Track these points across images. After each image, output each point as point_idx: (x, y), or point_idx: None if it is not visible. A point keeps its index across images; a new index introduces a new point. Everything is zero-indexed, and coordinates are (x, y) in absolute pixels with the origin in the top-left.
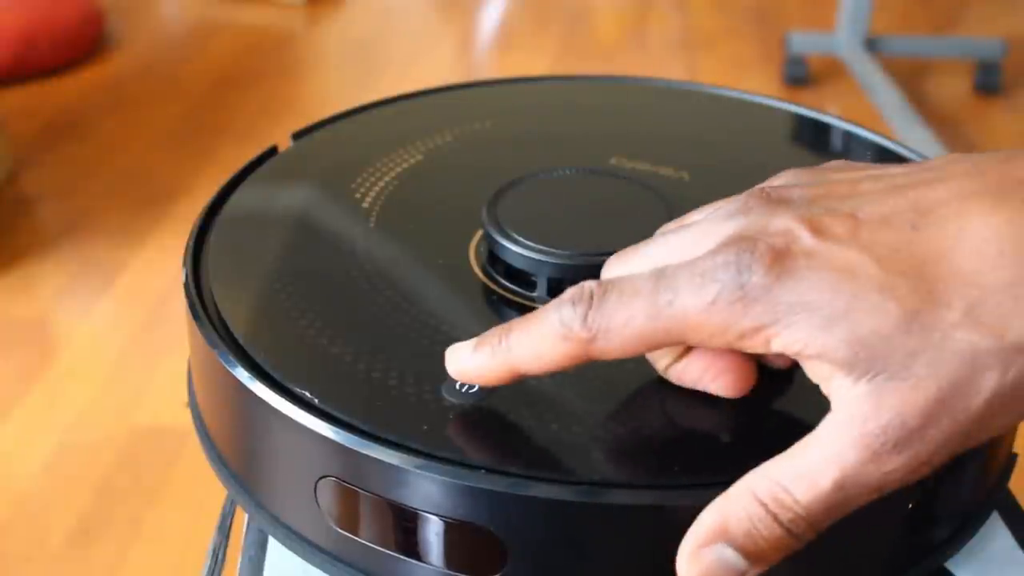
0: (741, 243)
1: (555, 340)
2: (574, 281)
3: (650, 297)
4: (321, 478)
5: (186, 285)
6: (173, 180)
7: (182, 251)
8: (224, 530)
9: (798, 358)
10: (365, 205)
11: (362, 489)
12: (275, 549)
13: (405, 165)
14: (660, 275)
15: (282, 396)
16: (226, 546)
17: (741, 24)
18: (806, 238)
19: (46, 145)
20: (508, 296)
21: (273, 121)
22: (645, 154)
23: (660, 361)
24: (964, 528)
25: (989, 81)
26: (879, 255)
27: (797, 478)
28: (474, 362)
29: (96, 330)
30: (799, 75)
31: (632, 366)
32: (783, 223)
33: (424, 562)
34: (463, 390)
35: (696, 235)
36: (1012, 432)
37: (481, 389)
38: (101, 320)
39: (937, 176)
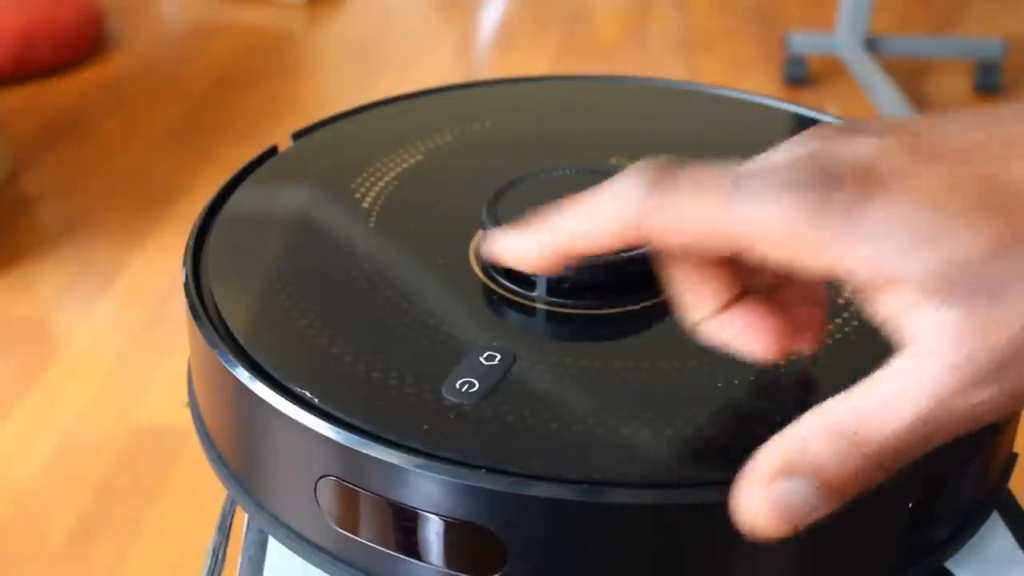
0: (828, 156)
1: (616, 206)
2: (574, 281)
3: (722, 195)
4: (321, 478)
5: (186, 285)
6: (173, 180)
7: (182, 251)
8: (224, 530)
9: (868, 284)
10: (365, 205)
11: (362, 489)
12: (275, 549)
13: (405, 165)
14: (740, 172)
15: (282, 396)
16: (226, 546)
17: (741, 24)
18: (891, 160)
19: (46, 145)
20: (508, 296)
21: (273, 121)
22: (645, 154)
23: (697, 311)
24: (964, 528)
25: (989, 81)
26: (965, 182)
27: (876, 411)
28: (520, 243)
29: (96, 330)
30: (799, 75)
31: (632, 365)
32: (866, 145)
33: (424, 562)
34: (463, 390)
35: (768, 155)
36: (1012, 432)
37: (482, 385)
38: (101, 320)
39: (1014, 112)
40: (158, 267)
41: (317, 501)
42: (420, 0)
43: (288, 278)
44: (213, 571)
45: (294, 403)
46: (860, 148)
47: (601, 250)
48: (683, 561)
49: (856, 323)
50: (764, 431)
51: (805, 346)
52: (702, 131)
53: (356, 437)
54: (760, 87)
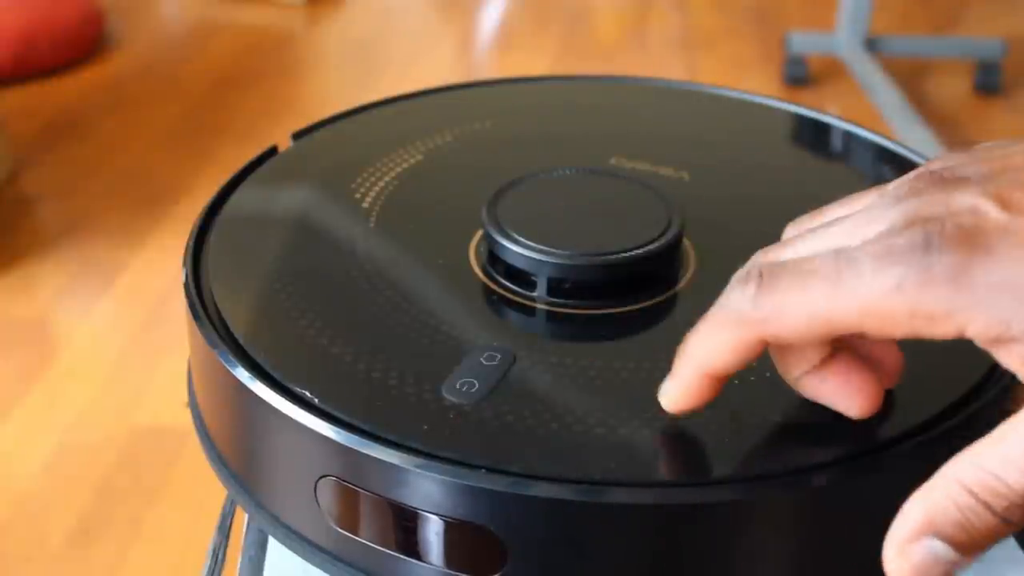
0: (927, 223)
1: (727, 327)
2: (574, 281)
3: (829, 278)
4: (321, 478)
5: (186, 285)
6: (173, 180)
7: (182, 251)
8: (224, 530)
9: (995, 342)
10: (365, 205)
11: (362, 489)
12: (275, 549)
13: (405, 165)
14: (839, 255)
15: (282, 396)
16: (226, 546)
17: (741, 24)
18: (996, 213)
19: (46, 145)
20: (508, 296)
21: (273, 121)
22: (645, 154)
23: (795, 369)
24: None
25: (989, 81)
26: None
27: (1008, 463)
28: (672, 386)
29: (96, 330)
30: (799, 75)
31: (632, 365)
32: (967, 200)
33: (424, 562)
34: (463, 389)
35: (861, 222)
36: None
37: (482, 385)
38: (101, 320)
39: None
40: (158, 267)
41: (317, 501)
42: (420, 0)
43: (288, 278)
44: (213, 571)
45: (294, 403)
46: (956, 204)
47: (739, 367)
48: (683, 561)
49: None
50: (764, 431)
51: (886, 384)
52: (702, 131)
53: (356, 437)
54: (760, 87)
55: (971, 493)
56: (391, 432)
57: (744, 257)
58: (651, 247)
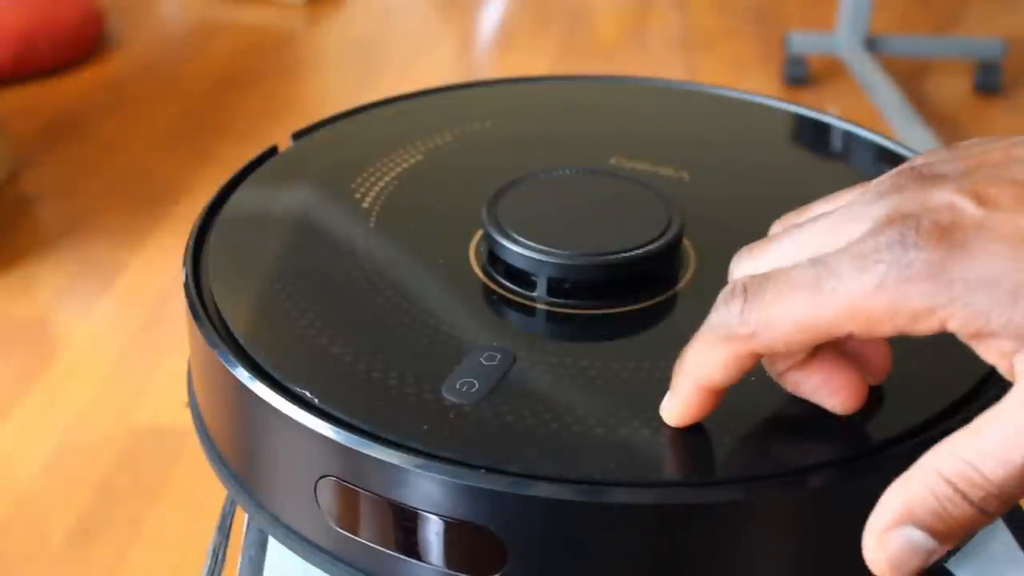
0: (904, 221)
1: (718, 344)
2: (574, 281)
3: (810, 285)
4: (321, 478)
5: (186, 285)
6: (173, 180)
7: (182, 251)
8: (224, 530)
9: (974, 337)
10: (365, 205)
11: (362, 489)
12: (275, 549)
13: (405, 165)
14: (817, 262)
15: (282, 396)
16: (226, 546)
17: (741, 24)
18: (972, 209)
19: (46, 145)
20: (508, 296)
21: (273, 121)
22: (645, 154)
23: (780, 364)
24: None
25: (989, 81)
26: None
27: (985, 454)
28: (672, 402)
29: (96, 330)
30: (799, 75)
31: (632, 365)
32: (944, 196)
33: (424, 562)
34: (463, 389)
35: (843, 220)
36: None
37: (482, 385)
38: (101, 320)
39: None
40: (158, 267)
41: (317, 501)
42: (420, 0)
43: (288, 278)
44: (213, 571)
45: (294, 403)
46: (933, 201)
47: (733, 381)
48: (683, 561)
49: None
50: (764, 431)
51: (871, 380)
52: (702, 131)
53: (356, 437)
54: (760, 87)
55: (949, 483)
56: (391, 432)
57: None
58: (651, 247)
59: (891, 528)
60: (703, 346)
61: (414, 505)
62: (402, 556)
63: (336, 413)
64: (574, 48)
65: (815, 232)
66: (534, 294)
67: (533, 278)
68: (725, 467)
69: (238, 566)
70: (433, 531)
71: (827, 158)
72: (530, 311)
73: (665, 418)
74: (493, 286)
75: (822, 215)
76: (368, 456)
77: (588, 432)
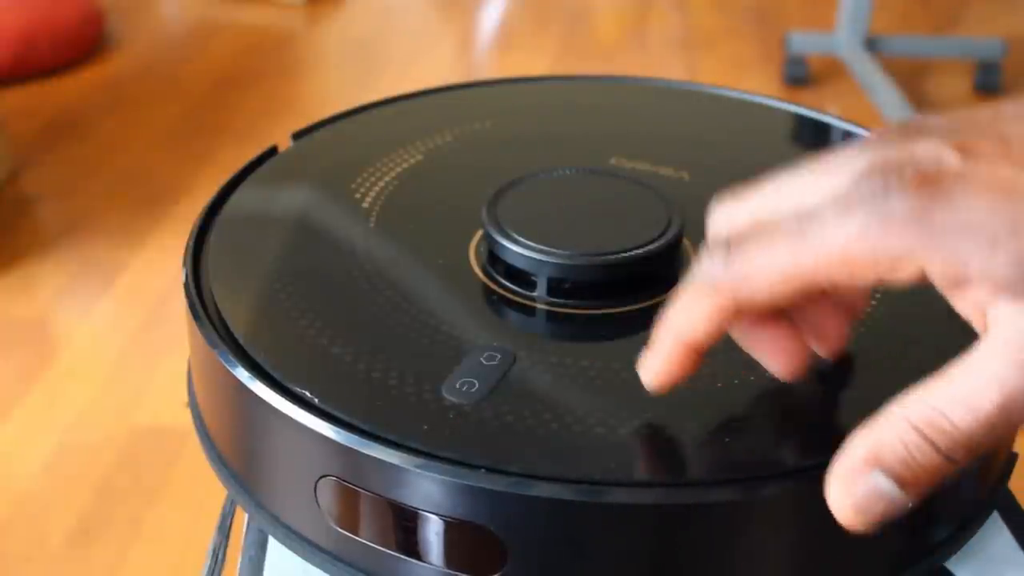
0: (887, 169)
1: (702, 296)
2: (574, 281)
3: (793, 234)
4: (321, 478)
5: (186, 285)
6: (173, 180)
7: (182, 251)
8: (224, 530)
9: (952, 286)
10: (365, 205)
11: (362, 489)
12: (275, 549)
13: (405, 165)
14: (799, 212)
15: (282, 396)
16: (226, 546)
17: (741, 24)
18: (956, 159)
19: (46, 145)
20: (508, 296)
21: (273, 121)
22: (645, 154)
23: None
24: (964, 528)
25: (989, 81)
26: (1019, 181)
27: (955, 402)
28: (652, 359)
29: (96, 330)
30: (799, 75)
31: (632, 365)
32: (928, 147)
33: (424, 561)
34: (463, 389)
35: (826, 171)
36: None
37: (482, 385)
38: (101, 320)
39: None
40: (158, 267)
41: (317, 501)
42: (420, 0)
43: (288, 278)
44: (213, 571)
45: (294, 403)
46: (918, 151)
47: (716, 337)
48: (683, 561)
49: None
50: (763, 431)
51: (823, 353)
52: (702, 131)
53: (356, 437)
54: (760, 87)
55: (917, 430)
56: (391, 432)
57: None
58: (651, 247)
59: (858, 472)
60: (687, 300)
61: (414, 505)
62: (402, 556)
63: (336, 413)
64: (574, 48)
65: (798, 182)
66: (534, 294)
67: (533, 278)
68: (725, 467)
69: (238, 566)
70: (433, 531)
71: None
72: (530, 311)
73: (644, 377)
74: (493, 286)
75: (805, 167)
76: (368, 456)
77: (588, 432)
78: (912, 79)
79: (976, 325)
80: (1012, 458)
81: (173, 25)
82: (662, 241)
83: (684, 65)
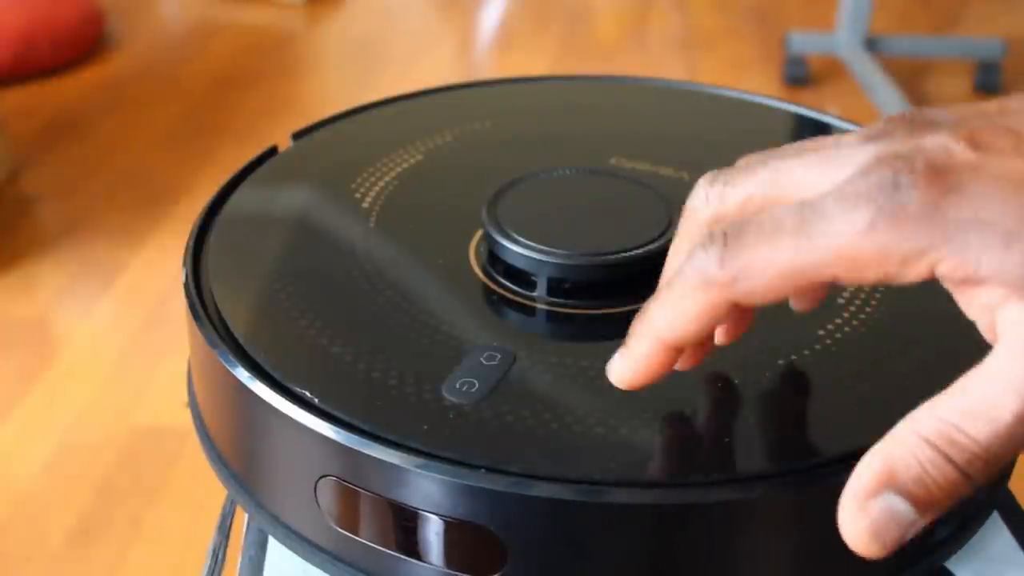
0: (894, 161)
1: (694, 292)
2: (574, 281)
3: (795, 228)
4: (321, 478)
5: (186, 285)
6: (173, 180)
7: (182, 251)
8: (224, 530)
9: (962, 284)
10: (365, 205)
11: (362, 489)
12: (275, 549)
13: (405, 165)
14: (803, 205)
15: (282, 396)
16: (226, 546)
17: (741, 24)
18: (967, 152)
19: (46, 145)
20: (508, 296)
21: (273, 121)
22: (645, 154)
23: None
24: (964, 528)
25: (989, 81)
26: None
27: (970, 414)
28: (626, 360)
29: (96, 330)
30: (799, 75)
31: None
32: (937, 139)
33: (424, 561)
34: (463, 389)
35: (827, 160)
36: None
37: (482, 385)
38: (101, 320)
39: None
40: (158, 267)
41: (317, 501)
42: (420, 0)
43: (288, 278)
44: (213, 571)
45: (294, 403)
46: (926, 144)
47: (702, 336)
48: (683, 561)
49: (854, 323)
50: (763, 431)
51: (722, 342)
52: (702, 131)
53: (356, 437)
54: (760, 87)
55: (931, 445)
56: (391, 432)
57: None
58: (651, 247)
59: (872, 494)
60: (674, 296)
61: (414, 505)
62: (402, 556)
63: (336, 413)
64: (574, 48)
65: (797, 165)
66: (534, 294)
67: (533, 278)
68: (725, 467)
69: (238, 566)
70: (433, 531)
71: None
72: (530, 311)
73: (613, 378)
74: (493, 286)
75: (805, 150)
76: (368, 456)
77: (588, 432)
78: (912, 79)
79: (984, 329)
80: (1012, 458)
81: (173, 25)
82: (662, 241)
83: (684, 65)
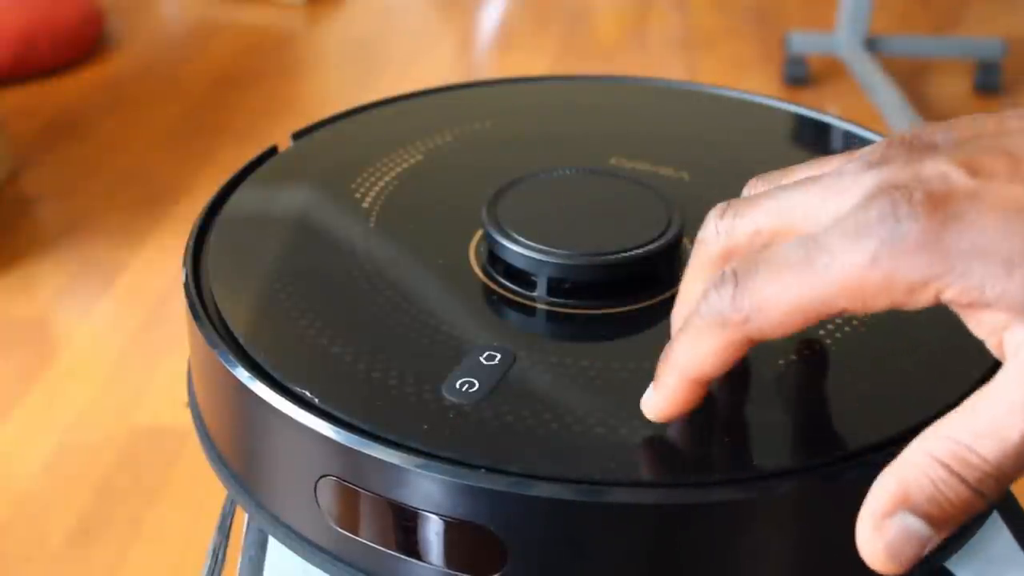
0: (895, 191)
1: (710, 332)
2: (574, 281)
3: (801, 264)
4: (321, 478)
5: (186, 285)
6: (173, 180)
7: (182, 251)
8: (224, 530)
9: (967, 309)
10: (365, 205)
11: (362, 488)
12: (275, 549)
13: (405, 165)
14: (807, 240)
15: (282, 396)
16: (226, 546)
17: (741, 24)
18: (965, 179)
19: (46, 145)
20: (508, 296)
21: (273, 121)
22: (645, 154)
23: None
24: (964, 528)
25: (989, 81)
26: None
27: (981, 434)
28: (657, 396)
29: (96, 330)
30: (799, 75)
31: (632, 365)
32: (936, 167)
33: (424, 561)
34: (463, 389)
35: (830, 189)
36: None
37: (482, 385)
38: (101, 320)
39: None
40: (158, 267)
41: (317, 501)
42: (420, 0)
43: (288, 278)
44: (213, 571)
45: (294, 403)
46: (925, 172)
47: (724, 370)
48: (683, 561)
49: (855, 323)
50: (763, 431)
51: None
52: (702, 131)
53: (356, 437)
54: (760, 87)
55: (944, 466)
56: (391, 432)
57: None
58: (651, 247)
59: (888, 514)
60: (693, 336)
61: (414, 505)
62: (402, 556)
63: (336, 413)
64: (574, 48)
65: (801, 196)
66: (534, 294)
67: (533, 278)
68: (725, 467)
69: (238, 566)
70: (433, 531)
71: None
72: (530, 311)
73: (647, 413)
74: (493, 286)
75: (809, 179)
76: (368, 456)
77: (588, 432)
78: (912, 79)
79: (992, 348)
80: None
81: (173, 25)
82: (662, 241)
83: (684, 65)
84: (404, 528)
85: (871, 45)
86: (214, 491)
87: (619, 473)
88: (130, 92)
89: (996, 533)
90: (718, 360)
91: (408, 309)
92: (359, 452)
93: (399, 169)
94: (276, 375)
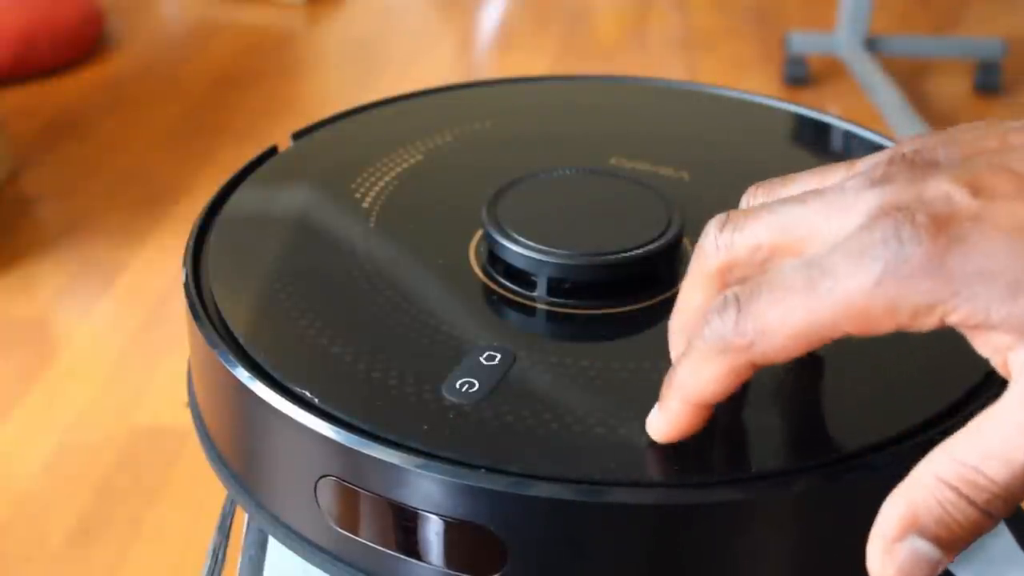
0: (898, 213)
1: (713, 357)
2: (574, 281)
3: (804, 288)
4: (321, 478)
5: (186, 285)
6: (173, 180)
7: (182, 251)
8: (224, 530)
9: (973, 331)
10: (365, 205)
11: (362, 489)
12: (275, 549)
13: (405, 165)
14: (810, 263)
15: (282, 396)
16: (226, 546)
17: (741, 24)
18: (968, 200)
19: (46, 145)
20: (508, 296)
21: (273, 121)
22: (645, 154)
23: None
24: None
25: (989, 81)
26: None
27: (988, 456)
28: (661, 419)
29: (96, 330)
30: (799, 75)
31: (632, 365)
32: (938, 187)
33: (424, 561)
34: (463, 390)
35: (833, 207)
36: None
37: (482, 385)
38: (101, 320)
39: None
40: (158, 267)
41: (317, 501)
42: (420, 0)
43: (288, 278)
44: (213, 571)
45: (294, 403)
46: (927, 192)
47: (728, 394)
48: (683, 561)
49: None
50: (763, 431)
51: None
52: (702, 131)
53: (356, 437)
54: (760, 87)
55: (952, 488)
56: (391, 432)
57: None
58: (651, 247)
59: (898, 538)
60: (696, 361)
61: (414, 505)
62: (402, 556)
63: (336, 413)
64: (574, 48)
65: (803, 212)
66: (534, 294)
67: (533, 278)
68: (725, 467)
69: (238, 566)
70: (433, 531)
71: (827, 158)
72: (530, 311)
73: (652, 434)
74: (493, 286)
75: (811, 193)
76: (368, 456)
77: (588, 432)
78: (912, 79)
79: (997, 367)
80: None
81: (173, 25)
82: (662, 241)
83: (684, 65)
84: (404, 528)
85: (871, 45)
86: (214, 491)
87: (619, 473)
88: (130, 92)
89: (996, 533)
90: (721, 385)
91: (408, 309)
92: (359, 452)
93: (399, 169)
94: (276, 375)
